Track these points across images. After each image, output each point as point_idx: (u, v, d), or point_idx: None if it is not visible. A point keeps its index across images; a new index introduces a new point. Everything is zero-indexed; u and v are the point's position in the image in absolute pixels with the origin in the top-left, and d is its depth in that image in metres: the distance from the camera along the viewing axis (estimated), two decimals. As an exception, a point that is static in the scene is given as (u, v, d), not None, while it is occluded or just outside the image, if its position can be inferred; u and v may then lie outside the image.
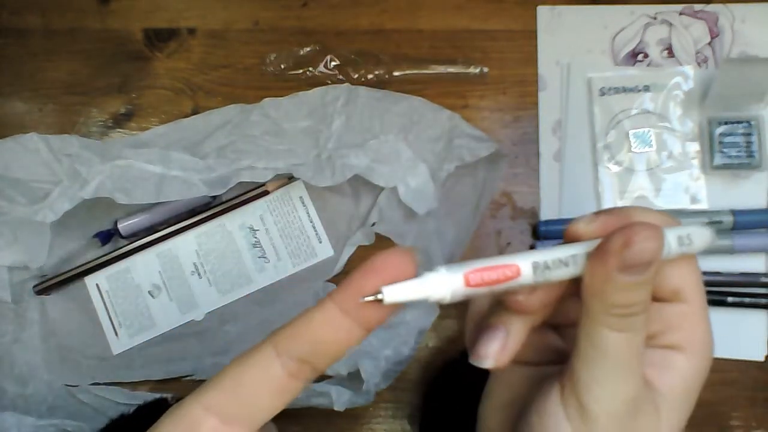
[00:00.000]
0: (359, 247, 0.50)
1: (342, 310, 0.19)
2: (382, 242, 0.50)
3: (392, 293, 0.19)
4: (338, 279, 0.50)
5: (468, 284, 0.20)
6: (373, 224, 0.50)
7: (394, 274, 0.19)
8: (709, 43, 0.51)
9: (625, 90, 0.50)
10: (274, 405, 0.20)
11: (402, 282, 0.19)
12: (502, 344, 0.23)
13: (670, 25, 0.51)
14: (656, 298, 0.24)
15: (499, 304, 0.24)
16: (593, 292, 0.21)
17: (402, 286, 0.19)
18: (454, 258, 0.49)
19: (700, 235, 0.23)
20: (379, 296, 0.19)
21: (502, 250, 0.50)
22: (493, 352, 0.23)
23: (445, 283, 0.19)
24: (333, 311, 0.19)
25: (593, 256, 0.21)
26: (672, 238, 0.22)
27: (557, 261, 0.21)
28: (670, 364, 0.24)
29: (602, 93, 0.50)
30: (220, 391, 0.19)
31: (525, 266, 0.21)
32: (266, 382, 0.19)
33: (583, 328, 0.22)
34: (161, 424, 0.20)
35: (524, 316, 0.23)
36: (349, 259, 0.50)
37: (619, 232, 0.20)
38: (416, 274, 0.19)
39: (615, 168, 0.49)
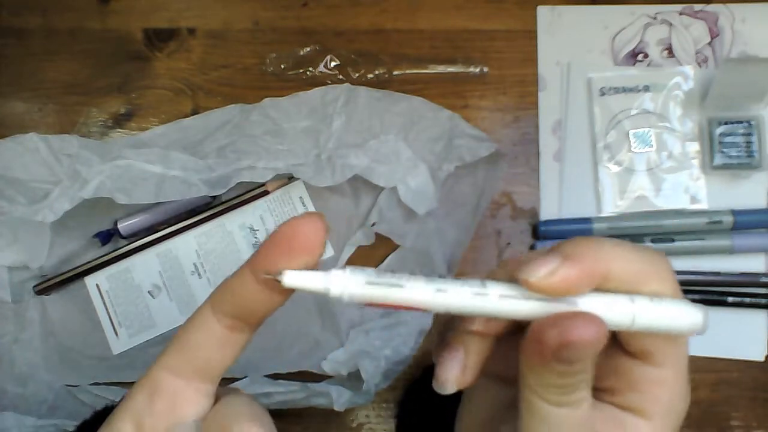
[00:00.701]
0: (359, 247, 0.50)
1: (256, 279, 0.20)
2: (382, 242, 0.50)
3: (292, 279, 0.19)
4: (338, 279, 0.50)
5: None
6: (373, 224, 0.50)
7: (303, 247, 0.19)
8: (709, 43, 0.51)
9: (625, 90, 0.50)
10: (223, 356, 0.21)
11: (305, 271, 0.19)
12: (461, 367, 0.22)
13: (670, 25, 0.51)
14: (623, 351, 0.22)
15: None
16: (529, 366, 0.20)
17: (304, 274, 0.19)
18: (455, 258, 0.49)
19: (682, 315, 0.20)
20: (279, 277, 0.19)
21: (502, 250, 0.50)
22: (453, 377, 0.22)
23: (344, 285, 0.19)
24: (249, 278, 0.20)
25: (527, 341, 0.19)
26: (643, 307, 0.20)
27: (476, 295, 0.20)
28: (629, 429, 0.22)
29: (602, 93, 0.50)
30: (173, 352, 0.21)
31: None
32: (208, 338, 0.21)
33: (521, 395, 0.20)
34: (132, 390, 0.22)
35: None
36: (349, 259, 0.50)
37: (553, 326, 0.18)
38: (324, 245, 0.20)
39: (615, 168, 0.49)
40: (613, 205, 0.49)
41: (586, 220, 0.48)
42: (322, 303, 0.49)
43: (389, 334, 0.46)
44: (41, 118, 0.51)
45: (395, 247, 0.50)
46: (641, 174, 0.49)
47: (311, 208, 0.50)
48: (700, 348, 0.48)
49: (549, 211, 0.50)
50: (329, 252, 0.50)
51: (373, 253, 0.50)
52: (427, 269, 0.49)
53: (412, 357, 0.46)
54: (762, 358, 0.48)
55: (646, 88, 0.50)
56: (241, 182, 0.46)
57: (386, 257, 0.50)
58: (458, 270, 0.49)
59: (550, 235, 0.49)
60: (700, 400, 0.48)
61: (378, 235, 0.50)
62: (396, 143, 0.47)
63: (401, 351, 0.46)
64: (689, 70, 0.50)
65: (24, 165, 0.45)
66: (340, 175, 0.45)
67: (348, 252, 0.50)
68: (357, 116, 0.48)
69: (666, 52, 0.51)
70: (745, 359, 0.48)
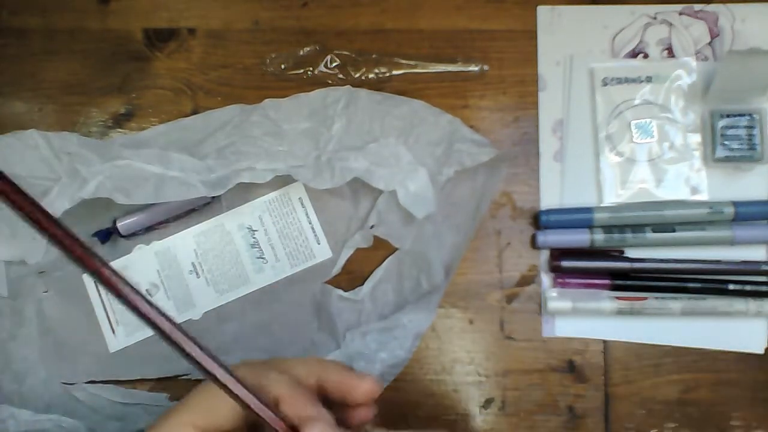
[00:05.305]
0: (357, 249, 0.50)
1: None
2: (381, 244, 0.50)
3: None
4: (336, 281, 0.50)
5: None
6: (372, 227, 0.49)
7: None
8: (709, 43, 0.50)
9: (627, 80, 0.50)
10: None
11: None
12: None
13: (670, 25, 0.51)
14: None
15: None
16: None
17: None
18: (453, 262, 0.48)
19: None
20: None
21: (501, 250, 0.50)
22: None
23: None
24: None
25: None
26: None
27: None
28: None
29: (604, 83, 0.50)
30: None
31: None
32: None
33: None
34: None
35: None
36: (347, 261, 0.50)
37: None
38: None
39: (616, 158, 0.49)
40: (614, 195, 0.49)
41: (588, 210, 0.48)
42: (320, 305, 0.49)
43: (386, 337, 0.46)
44: (41, 118, 0.51)
45: (393, 249, 0.50)
46: (642, 164, 0.49)
47: (310, 210, 0.50)
48: (699, 340, 0.48)
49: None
50: (327, 254, 0.50)
51: (371, 256, 0.50)
52: (424, 273, 0.49)
53: (408, 360, 0.46)
54: (762, 351, 0.48)
55: (649, 79, 0.50)
56: (241, 183, 0.45)
57: (384, 260, 0.50)
58: (458, 271, 0.49)
59: (551, 224, 0.48)
60: (700, 400, 0.48)
61: (376, 238, 0.50)
62: (396, 147, 0.47)
63: (397, 354, 0.45)
64: (692, 61, 0.50)
65: (23, 161, 0.45)
66: (340, 177, 0.45)
67: (346, 254, 0.50)
68: (357, 119, 0.48)
69: (666, 52, 0.50)
70: (745, 351, 0.48)
